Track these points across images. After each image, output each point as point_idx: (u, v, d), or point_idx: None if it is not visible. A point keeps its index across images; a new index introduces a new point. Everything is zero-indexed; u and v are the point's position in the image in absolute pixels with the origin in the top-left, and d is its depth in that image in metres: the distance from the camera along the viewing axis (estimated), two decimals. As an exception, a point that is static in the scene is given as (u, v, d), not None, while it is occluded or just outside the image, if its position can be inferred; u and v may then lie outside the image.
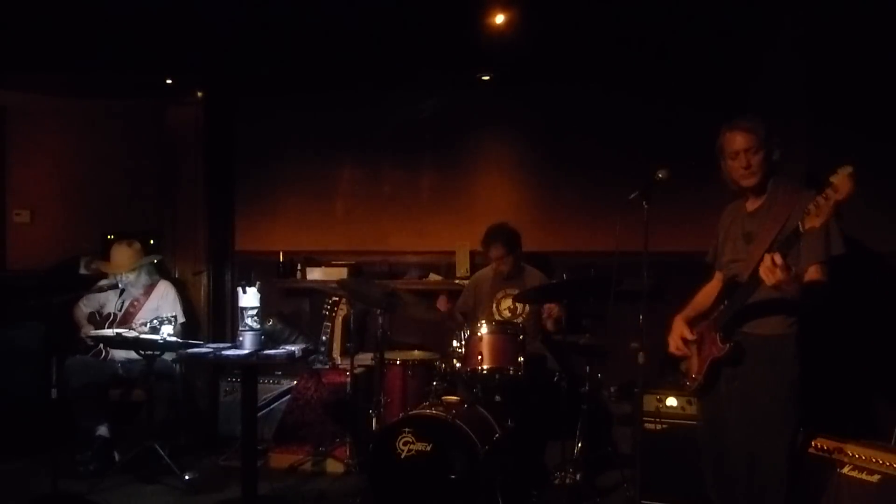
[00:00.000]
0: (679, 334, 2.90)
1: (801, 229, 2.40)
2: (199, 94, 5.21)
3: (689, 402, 3.50)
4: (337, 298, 4.62)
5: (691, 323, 2.92)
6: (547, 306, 4.18)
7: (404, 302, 3.99)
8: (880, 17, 3.65)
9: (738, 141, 2.74)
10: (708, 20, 4.03)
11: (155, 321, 4.08)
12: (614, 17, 4.02)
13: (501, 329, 3.90)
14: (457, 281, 4.88)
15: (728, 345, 2.71)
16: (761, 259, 2.48)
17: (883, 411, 3.43)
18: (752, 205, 2.84)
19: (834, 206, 2.31)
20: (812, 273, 2.62)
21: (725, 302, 2.78)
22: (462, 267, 4.97)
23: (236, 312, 3.63)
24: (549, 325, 4.22)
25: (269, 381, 4.73)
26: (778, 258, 2.42)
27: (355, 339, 4.68)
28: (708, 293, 3.00)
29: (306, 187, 5.41)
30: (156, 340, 3.96)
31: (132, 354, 4.24)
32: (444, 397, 3.73)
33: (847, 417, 3.51)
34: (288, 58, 4.72)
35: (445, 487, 3.31)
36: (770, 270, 2.42)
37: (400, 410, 3.90)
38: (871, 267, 3.71)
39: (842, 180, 2.29)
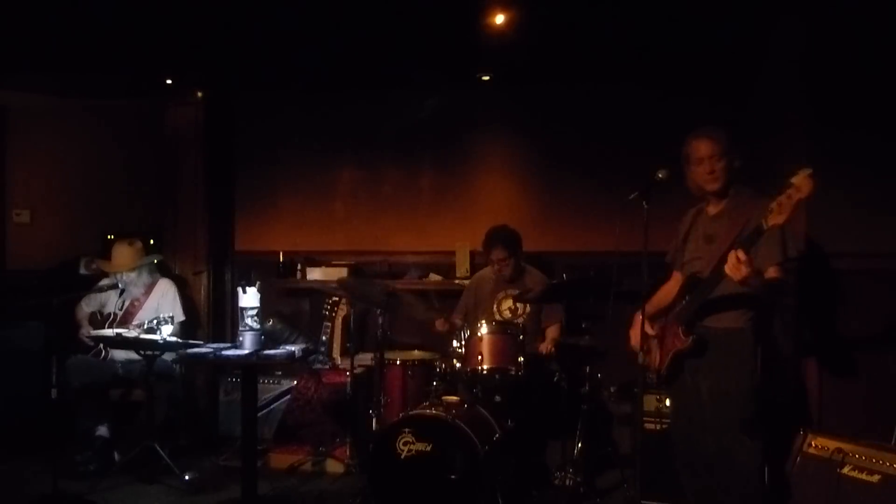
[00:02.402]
0: (640, 329, 3.03)
1: (764, 227, 2.55)
2: (199, 94, 5.20)
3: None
4: (337, 298, 4.62)
5: (651, 319, 3.04)
6: (543, 346, 4.20)
7: (405, 302, 3.99)
8: (880, 18, 3.66)
9: (702, 148, 2.92)
10: (708, 21, 4.03)
11: (154, 321, 4.08)
12: (614, 18, 4.02)
13: (501, 329, 3.91)
14: (457, 281, 4.88)
15: (691, 337, 2.86)
16: (723, 257, 2.64)
17: (883, 411, 3.43)
18: (713, 208, 3.01)
19: (796, 205, 2.46)
20: (770, 272, 2.78)
21: (687, 297, 2.91)
22: (462, 267, 4.97)
23: (236, 312, 3.63)
24: (545, 350, 4.21)
25: (269, 381, 4.73)
26: (741, 254, 2.56)
27: (355, 339, 4.68)
28: (667, 291, 3.15)
29: (306, 187, 5.41)
30: (156, 340, 3.96)
31: (132, 354, 4.24)
32: (444, 397, 3.74)
33: (847, 417, 3.52)
34: (288, 58, 4.71)
35: (445, 487, 3.31)
36: (735, 267, 2.57)
37: (400, 410, 3.90)
38: (872, 267, 3.71)
39: (803, 180, 2.45)
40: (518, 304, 4.36)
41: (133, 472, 4.07)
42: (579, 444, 3.92)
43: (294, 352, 3.61)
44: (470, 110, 5.13)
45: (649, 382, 3.17)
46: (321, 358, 4.56)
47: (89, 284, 4.68)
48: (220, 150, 5.39)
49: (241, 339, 3.50)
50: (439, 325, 4.40)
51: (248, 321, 3.48)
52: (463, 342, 3.89)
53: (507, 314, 4.39)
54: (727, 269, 2.59)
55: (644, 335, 3.02)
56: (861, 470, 2.81)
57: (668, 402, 3.59)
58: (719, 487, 2.87)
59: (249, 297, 3.47)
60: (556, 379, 4.05)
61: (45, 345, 4.58)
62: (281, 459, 4.35)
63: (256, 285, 3.51)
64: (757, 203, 2.80)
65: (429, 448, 3.36)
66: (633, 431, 3.95)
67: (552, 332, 4.29)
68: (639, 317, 3.03)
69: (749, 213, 2.80)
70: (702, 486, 2.96)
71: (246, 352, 3.46)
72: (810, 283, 3.73)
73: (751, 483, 2.83)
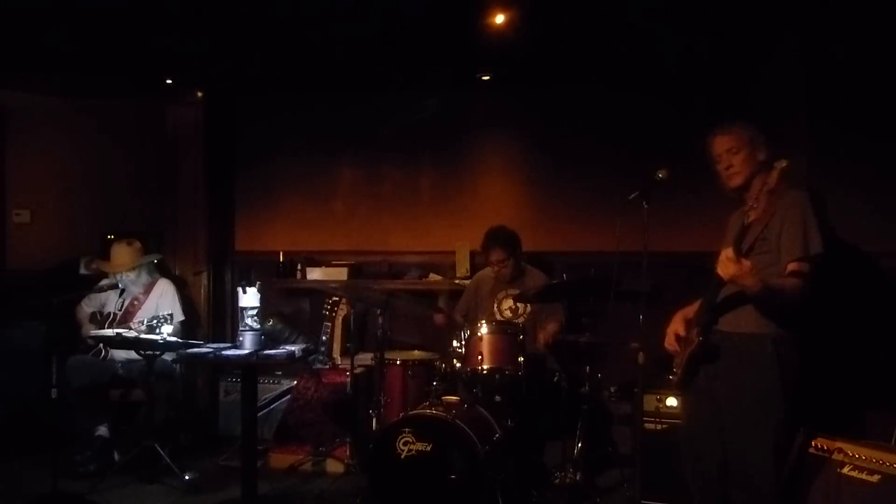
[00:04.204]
0: (674, 330, 2.96)
1: (744, 222, 2.51)
2: (199, 94, 5.20)
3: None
4: (337, 298, 4.62)
5: (688, 322, 2.96)
6: (542, 334, 4.19)
7: (405, 302, 3.99)
8: (879, 19, 3.66)
9: (718, 144, 2.83)
10: (708, 20, 4.03)
11: (154, 320, 4.08)
12: (614, 17, 4.02)
13: (501, 329, 3.91)
14: (457, 281, 4.88)
15: (699, 339, 2.77)
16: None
17: (883, 411, 3.43)
18: (746, 206, 2.88)
19: (766, 196, 2.43)
20: (791, 268, 2.65)
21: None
22: (462, 267, 4.97)
23: (236, 312, 3.63)
24: (542, 342, 4.20)
25: (269, 381, 4.74)
26: (729, 252, 2.49)
27: (355, 339, 4.69)
28: None
29: (306, 187, 5.41)
30: (156, 340, 3.96)
31: (132, 354, 4.24)
32: (444, 397, 3.73)
33: (847, 417, 3.51)
34: (288, 58, 4.72)
35: (445, 487, 3.31)
36: (723, 265, 2.50)
37: (400, 410, 3.90)
38: (872, 267, 3.71)
39: (772, 174, 2.43)
40: (518, 304, 4.36)
41: (133, 472, 4.06)
42: (579, 444, 3.92)
43: (294, 352, 3.60)
44: (470, 110, 5.13)
45: (670, 383, 3.08)
46: (321, 358, 4.55)
47: (89, 284, 4.69)
48: (220, 150, 5.40)
49: (241, 339, 3.50)
50: (437, 319, 4.42)
51: (248, 321, 3.48)
52: (463, 342, 3.89)
53: (508, 314, 4.40)
54: (718, 266, 2.54)
55: (677, 336, 2.96)
56: (861, 470, 2.80)
57: (668, 402, 3.60)
58: (735, 495, 2.80)
59: (249, 297, 3.47)
60: (556, 379, 4.05)
61: (45, 345, 4.57)
62: (281, 459, 4.35)
63: (256, 285, 3.51)
64: (784, 197, 2.67)
65: (429, 448, 3.36)
66: (633, 431, 3.95)
67: (552, 325, 4.29)
68: (678, 316, 2.97)
69: (774, 207, 2.64)
70: (709, 493, 2.91)
71: (246, 352, 3.46)
72: (809, 283, 3.72)
73: (763, 494, 2.73)
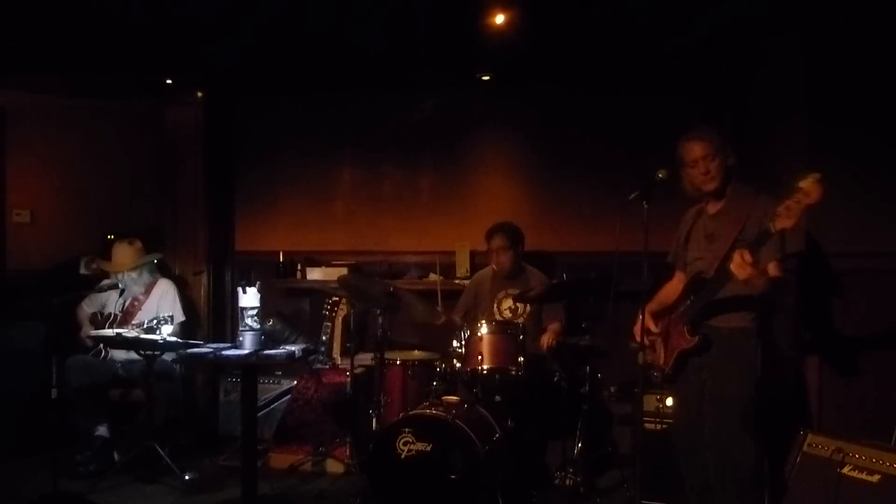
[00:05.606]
0: (644, 325, 3.05)
1: (772, 230, 2.58)
2: (199, 94, 5.20)
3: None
4: (337, 298, 4.62)
5: (655, 317, 3.08)
6: (544, 337, 4.19)
7: (405, 302, 3.98)
8: (879, 17, 3.66)
9: (695, 150, 2.94)
10: (708, 20, 4.03)
11: (154, 321, 4.08)
12: (614, 17, 4.02)
13: (501, 329, 3.92)
14: (457, 281, 4.88)
15: (697, 338, 2.90)
16: (727, 256, 2.71)
17: (883, 411, 3.43)
18: (713, 208, 3.04)
19: (804, 209, 2.49)
20: (770, 269, 2.80)
21: (691, 297, 2.95)
22: (462, 267, 4.97)
23: (236, 312, 3.63)
24: (545, 344, 4.20)
25: (269, 381, 4.74)
26: (748, 255, 2.61)
27: (355, 339, 4.68)
28: (671, 290, 3.20)
29: (306, 187, 5.41)
30: (156, 340, 3.96)
31: (132, 354, 4.24)
32: (444, 397, 3.73)
33: (847, 417, 3.52)
34: (288, 58, 4.71)
35: (445, 487, 3.31)
36: (741, 267, 2.62)
37: (400, 410, 3.90)
38: (871, 266, 3.71)
39: (812, 185, 2.48)
40: (518, 304, 4.36)
41: (133, 472, 4.07)
42: (579, 444, 3.92)
43: (294, 352, 3.60)
44: (470, 110, 5.13)
45: (653, 380, 3.19)
46: (321, 358, 4.55)
47: (89, 284, 4.68)
48: (220, 150, 5.40)
49: (241, 339, 3.50)
50: (438, 317, 4.43)
51: (248, 321, 3.48)
52: (463, 342, 3.90)
53: (508, 314, 4.40)
54: (733, 268, 2.63)
55: (647, 332, 3.05)
56: (861, 470, 2.81)
57: (668, 402, 3.60)
58: (717, 485, 2.89)
59: (249, 297, 3.47)
60: (556, 379, 4.05)
61: (45, 345, 4.57)
62: (281, 459, 4.35)
63: (256, 285, 3.51)
64: (757, 200, 2.85)
65: (429, 448, 3.36)
66: (633, 431, 3.95)
67: (554, 326, 4.29)
68: (646, 312, 3.04)
69: (749, 210, 2.83)
70: (702, 484, 2.98)
71: (246, 352, 3.45)
72: (809, 282, 3.73)
73: (748, 482, 2.85)
